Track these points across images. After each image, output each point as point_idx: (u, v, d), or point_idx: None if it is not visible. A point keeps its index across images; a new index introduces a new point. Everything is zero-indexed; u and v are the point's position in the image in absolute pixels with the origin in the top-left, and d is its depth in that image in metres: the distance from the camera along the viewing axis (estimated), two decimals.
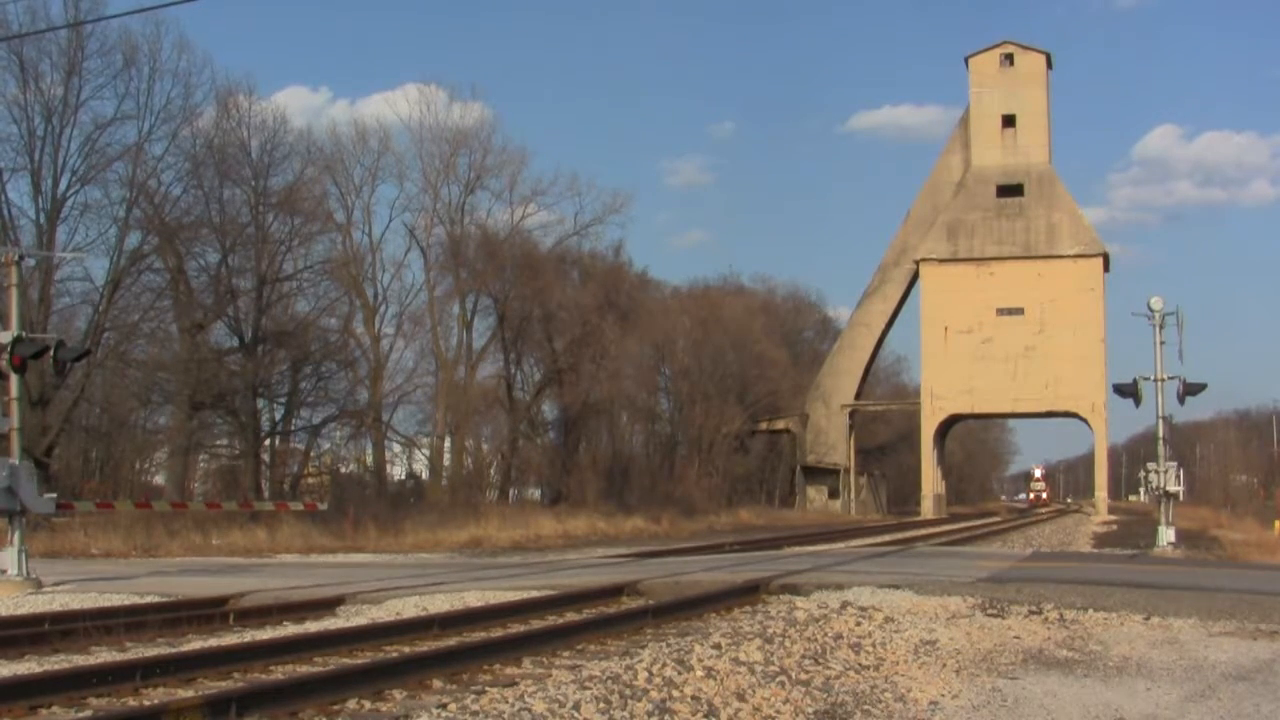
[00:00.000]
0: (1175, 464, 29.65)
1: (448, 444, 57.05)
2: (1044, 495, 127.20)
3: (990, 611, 13.37)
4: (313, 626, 13.36)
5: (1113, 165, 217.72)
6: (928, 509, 75.06)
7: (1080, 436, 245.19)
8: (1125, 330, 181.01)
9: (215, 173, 42.68)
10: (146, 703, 8.64)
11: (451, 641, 11.38)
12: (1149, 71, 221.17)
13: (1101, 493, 75.59)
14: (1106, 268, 74.40)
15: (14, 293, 18.97)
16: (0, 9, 34.92)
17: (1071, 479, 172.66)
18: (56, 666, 10.40)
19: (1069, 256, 73.36)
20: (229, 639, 12.29)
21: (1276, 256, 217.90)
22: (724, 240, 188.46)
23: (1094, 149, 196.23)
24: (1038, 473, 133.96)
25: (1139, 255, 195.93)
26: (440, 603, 15.01)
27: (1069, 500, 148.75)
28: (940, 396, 75.00)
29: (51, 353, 19.12)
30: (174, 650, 11.25)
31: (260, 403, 45.38)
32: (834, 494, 78.45)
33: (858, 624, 11.99)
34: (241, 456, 45.09)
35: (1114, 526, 55.96)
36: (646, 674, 8.98)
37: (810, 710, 8.44)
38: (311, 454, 50.91)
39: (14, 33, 35.97)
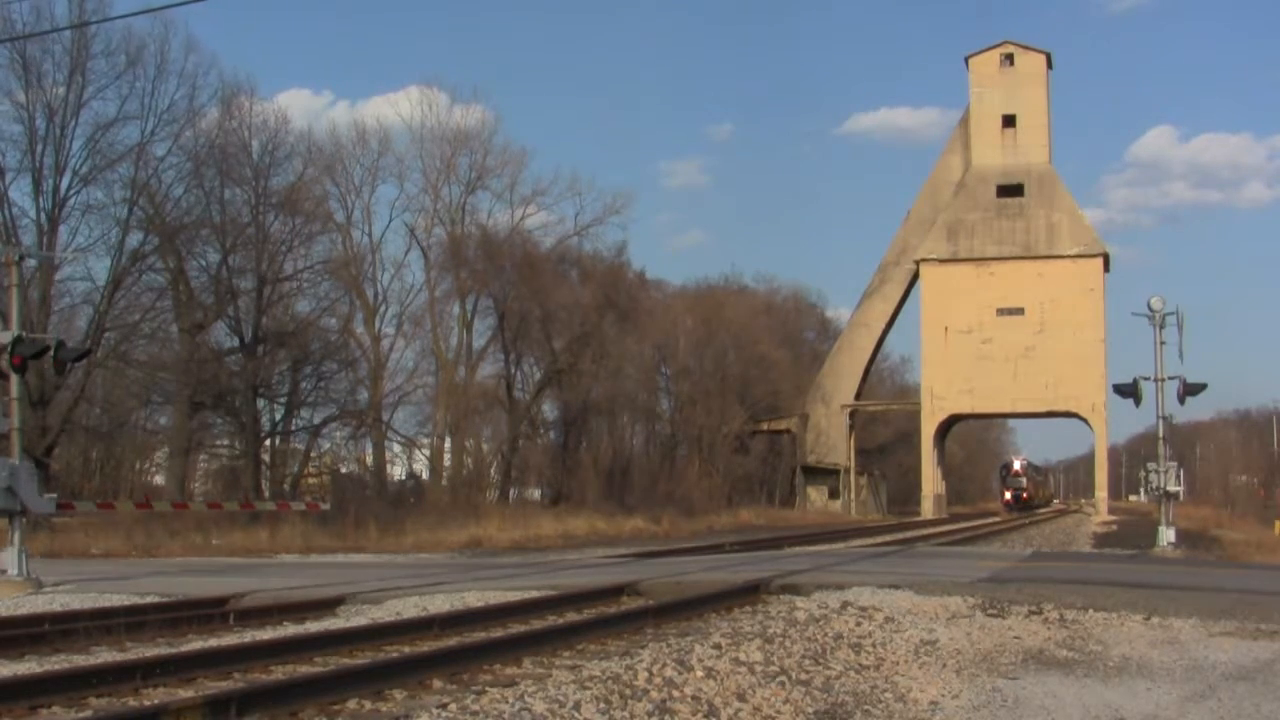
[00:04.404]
0: (1175, 464, 29.66)
1: (448, 444, 57.07)
2: (1025, 495, 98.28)
3: (990, 611, 13.37)
4: (313, 626, 13.36)
5: (1108, 167, 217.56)
6: (928, 509, 75.06)
7: (1080, 436, 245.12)
8: (1125, 330, 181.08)
9: (216, 173, 42.71)
10: (146, 703, 8.63)
11: (451, 641, 11.38)
12: (1145, 73, 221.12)
13: (1101, 493, 75.61)
14: (1106, 268, 74.40)
15: (14, 293, 18.97)
16: (4, 8, 34.96)
17: (1072, 479, 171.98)
18: (57, 666, 10.40)
19: (1069, 256, 73.36)
20: (229, 639, 12.29)
21: (1274, 257, 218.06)
22: (723, 241, 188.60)
23: (1089, 150, 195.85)
24: (1017, 465, 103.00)
25: (1136, 256, 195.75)
26: (440, 603, 15.01)
27: (1058, 500, 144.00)
28: (940, 396, 75.00)
29: (52, 353, 19.12)
30: (174, 650, 11.25)
31: (260, 403, 45.39)
32: (834, 494, 78.43)
33: (858, 624, 11.98)
34: (242, 456, 45.09)
35: (1114, 526, 55.98)
36: (646, 674, 8.98)
37: (810, 710, 8.44)
38: (311, 454, 50.94)
39: (19, 33, 35.98)
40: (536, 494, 61.17)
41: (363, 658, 10.57)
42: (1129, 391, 29.09)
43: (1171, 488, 29.05)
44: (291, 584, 17.17)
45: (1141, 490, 33.21)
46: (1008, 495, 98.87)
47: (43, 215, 37.87)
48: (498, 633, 12.14)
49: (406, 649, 11.20)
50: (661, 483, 61.18)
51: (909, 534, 45.91)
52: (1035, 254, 73.68)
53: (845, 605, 13.26)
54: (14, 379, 18.63)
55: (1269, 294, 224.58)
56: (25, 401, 20.71)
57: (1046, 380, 73.03)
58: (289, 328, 45.54)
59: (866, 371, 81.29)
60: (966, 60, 77.23)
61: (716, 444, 68.27)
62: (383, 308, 55.26)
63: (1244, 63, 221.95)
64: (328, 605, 14.99)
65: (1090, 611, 13.35)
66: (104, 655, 11.28)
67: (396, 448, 57.41)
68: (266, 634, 12.75)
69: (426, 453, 58.08)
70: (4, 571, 18.07)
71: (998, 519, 70.59)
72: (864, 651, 10.66)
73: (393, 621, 12.86)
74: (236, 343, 44.56)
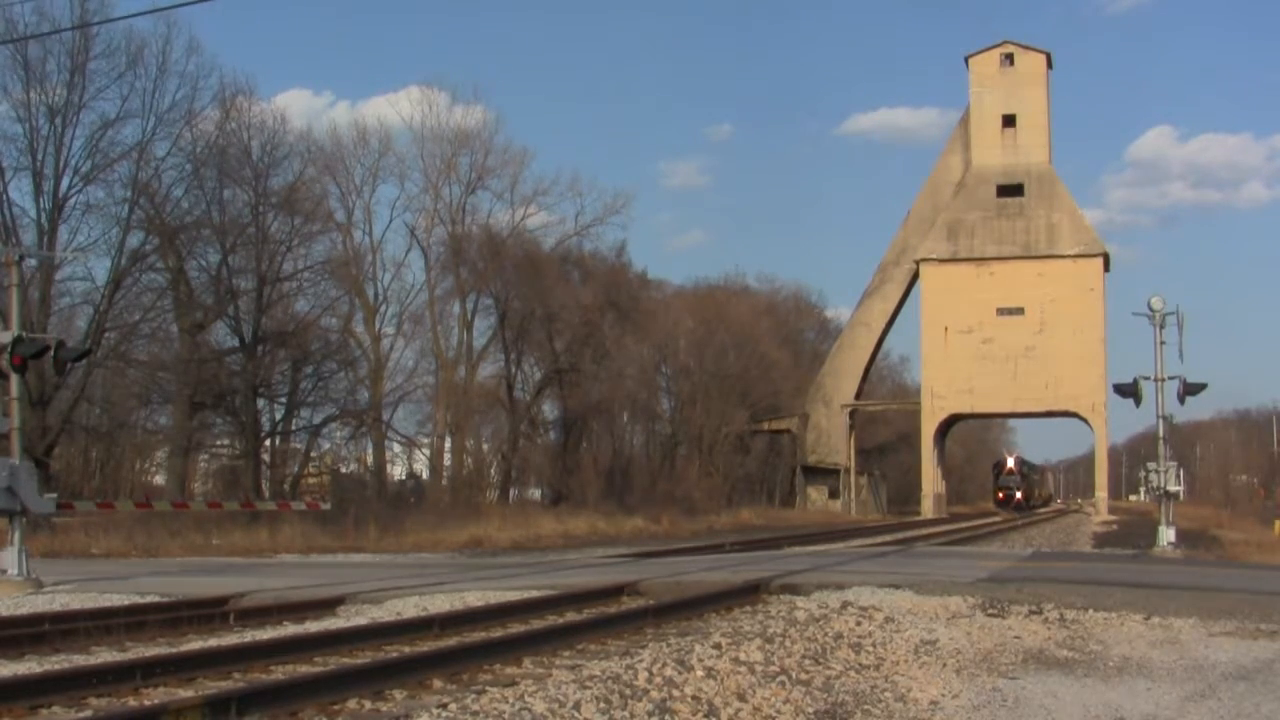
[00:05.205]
0: (1175, 464, 29.63)
1: (448, 444, 57.07)
2: (1019, 495, 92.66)
3: (990, 611, 13.37)
4: (313, 626, 13.36)
5: (1107, 167, 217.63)
6: (928, 509, 75.07)
7: (1080, 436, 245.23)
8: (1125, 330, 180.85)
9: (216, 173, 42.70)
10: (147, 703, 8.63)
11: (451, 641, 11.38)
12: (1144, 73, 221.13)
13: (1102, 493, 75.63)
14: (1107, 267, 74.40)
15: (14, 293, 18.96)
16: (6, 9, 34.95)
17: (1071, 479, 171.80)
18: (57, 666, 10.39)
19: (1069, 256, 73.36)
20: (229, 639, 12.28)
21: (1274, 257, 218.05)
22: (723, 241, 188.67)
23: (1089, 150, 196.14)
24: (1010, 462, 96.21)
25: (1135, 257, 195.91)
26: (440, 602, 15.01)
27: (1060, 500, 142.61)
28: (940, 396, 75.00)
29: (52, 353, 19.10)
30: (174, 650, 11.25)
31: (260, 403, 45.38)
32: (834, 494, 78.41)
33: (858, 624, 11.98)
34: (242, 456, 45.08)
35: (1114, 526, 55.98)
36: (647, 674, 8.98)
37: (810, 710, 8.44)
38: (311, 454, 50.94)
39: (21, 33, 36.00)
40: (536, 494, 61.20)
41: (363, 658, 10.57)
42: (1129, 391, 29.07)
43: (1171, 488, 29.02)
44: (291, 584, 17.16)
45: (1141, 490, 33.23)
46: (1000, 494, 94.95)
47: (43, 215, 37.89)
48: (498, 632, 12.14)
49: (406, 649, 11.19)
50: (661, 483, 61.20)
51: (909, 534, 45.90)
52: (1035, 254, 73.67)
53: (845, 605, 13.26)
54: (14, 379, 18.62)
55: (1269, 294, 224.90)
56: (25, 401, 20.70)
57: (1046, 380, 73.02)
58: (289, 328, 45.52)
59: (866, 371, 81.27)
60: (966, 60, 77.22)
61: (716, 444, 68.27)
62: (383, 307, 55.36)
63: (1244, 63, 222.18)
64: (328, 605, 14.99)
65: (1090, 611, 13.35)
66: (104, 655, 11.28)
67: (396, 448, 57.48)
68: (266, 634, 12.75)
69: (426, 453, 58.11)
70: (4, 571, 18.06)
71: (998, 519, 70.53)
72: (864, 651, 10.66)
73: (393, 621, 12.86)
74: (236, 343, 44.55)
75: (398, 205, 57.87)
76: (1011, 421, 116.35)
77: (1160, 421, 29.63)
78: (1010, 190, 74.77)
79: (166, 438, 45.83)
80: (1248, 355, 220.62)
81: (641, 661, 9.45)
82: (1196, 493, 74.34)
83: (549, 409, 63.44)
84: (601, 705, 8.00)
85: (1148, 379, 29.06)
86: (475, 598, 15.41)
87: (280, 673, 9.96)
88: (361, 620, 13.65)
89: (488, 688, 8.94)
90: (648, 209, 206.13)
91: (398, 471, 58.92)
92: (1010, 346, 73.58)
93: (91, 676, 9.15)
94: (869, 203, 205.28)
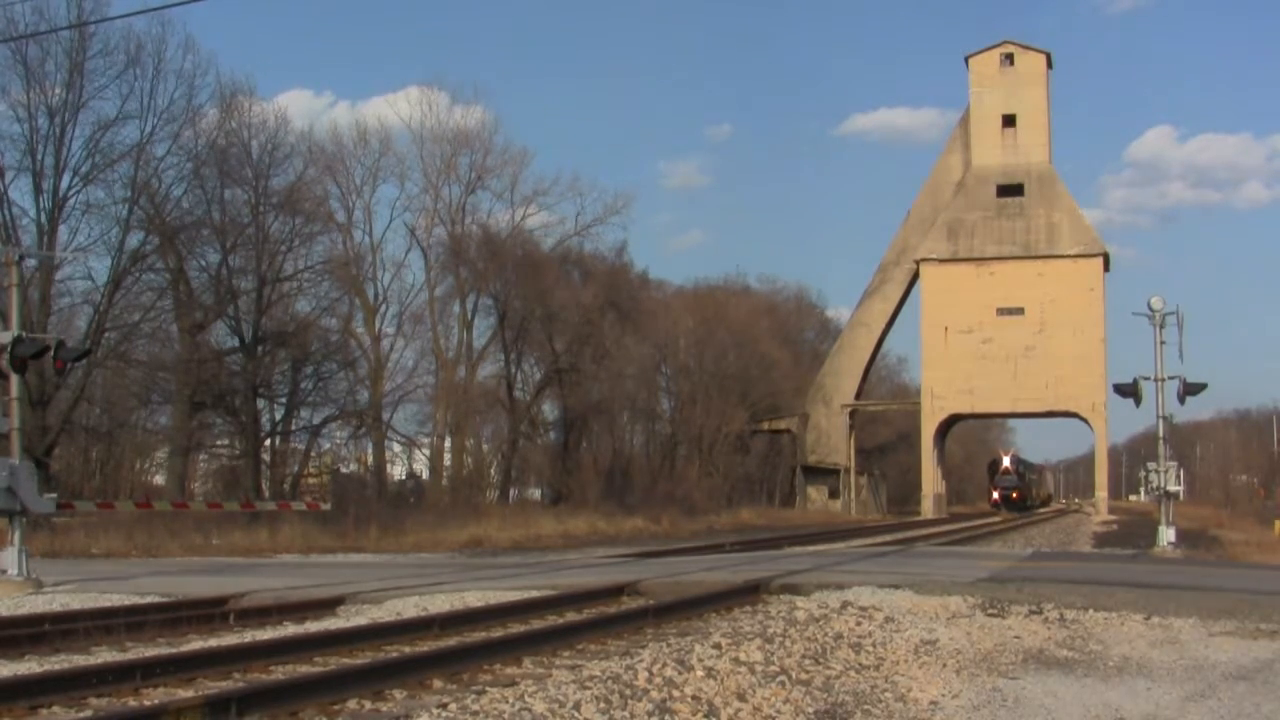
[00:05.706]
0: (1175, 464, 29.61)
1: (448, 444, 57.07)
2: (1016, 494, 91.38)
3: (991, 611, 13.37)
4: (313, 626, 13.36)
5: (1106, 167, 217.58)
6: (928, 509, 75.04)
7: (1080, 436, 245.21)
8: (1125, 330, 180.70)
9: (216, 173, 42.70)
10: (147, 703, 8.63)
11: (451, 641, 11.38)
12: (1144, 73, 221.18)
13: (1102, 492, 75.60)
14: (1107, 267, 74.37)
15: (14, 293, 18.96)
16: (6, 9, 34.94)
17: (1071, 479, 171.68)
18: (57, 666, 10.40)
19: (1069, 256, 73.33)
20: (229, 639, 12.28)
21: (1273, 257, 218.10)
22: (723, 241, 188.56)
23: (1087, 151, 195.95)
24: (1006, 461, 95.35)
25: (1135, 256, 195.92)
26: (440, 603, 15.01)
27: (1061, 500, 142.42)
28: (940, 396, 74.97)
29: (52, 353, 19.10)
30: (174, 650, 11.25)
31: (260, 403, 45.39)
32: (834, 494, 78.39)
33: (858, 624, 11.98)
34: (242, 456, 45.09)
35: (1114, 526, 55.95)
36: (647, 674, 8.98)
37: (810, 710, 8.44)
38: (311, 454, 50.95)
39: (19, 33, 35.99)
40: (536, 494, 61.19)
41: (363, 658, 10.57)
42: (1129, 391, 29.06)
43: (1171, 488, 29.00)
44: (291, 584, 17.16)
45: (1141, 490, 33.19)
46: (996, 494, 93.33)
47: (43, 215, 37.90)
48: (498, 632, 12.14)
49: (406, 649, 11.20)
50: (661, 483, 61.18)
51: (909, 534, 45.89)
52: (1035, 254, 73.63)
53: (845, 605, 13.26)
54: (14, 379, 18.62)
55: (1269, 294, 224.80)
56: (25, 401, 20.71)
57: (1046, 380, 72.99)
58: (289, 328, 45.54)
59: (866, 371, 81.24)
60: (966, 60, 77.21)
61: (716, 444, 68.26)
62: (383, 307, 55.39)
63: (1243, 63, 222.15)
64: (328, 605, 14.99)
65: (1090, 611, 13.35)
66: (104, 655, 11.28)
67: (396, 448, 57.47)
68: (266, 634, 12.75)
69: (426, 453, 58.10)
70: (4, 571, 18.06)
71: (998, 519, 70.44)
72: (864, 651, 10.66)
73: (393, 621, 12.86)
74: (236, 343, 44.56)
75: (398, 205, 57.97)
76: (1011, 421, 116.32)
77: (1160, 421, 29.61)
78: (1010, 190, 74.74)
79: (166, 438, 45.83)
80: (1248, 355, 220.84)
81: (641, 661, 9.45)
82: (1196, 493, 74.35)
83: (549, 409, 63.52)
84: (601, 705, 8.00)
85: (1148, 379, 29.05)
86: (475, 598, 15.41)
87: (280, 673, 9.97)
88: (361, 620, 13.65)
89: (488, 688, 8.94)
90: (648, 209, 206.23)
91: (398, 471, 58.94)
92: (1010, 346, 73.55)
93: (91, 676, 9.15)
94: (869, 203, 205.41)
